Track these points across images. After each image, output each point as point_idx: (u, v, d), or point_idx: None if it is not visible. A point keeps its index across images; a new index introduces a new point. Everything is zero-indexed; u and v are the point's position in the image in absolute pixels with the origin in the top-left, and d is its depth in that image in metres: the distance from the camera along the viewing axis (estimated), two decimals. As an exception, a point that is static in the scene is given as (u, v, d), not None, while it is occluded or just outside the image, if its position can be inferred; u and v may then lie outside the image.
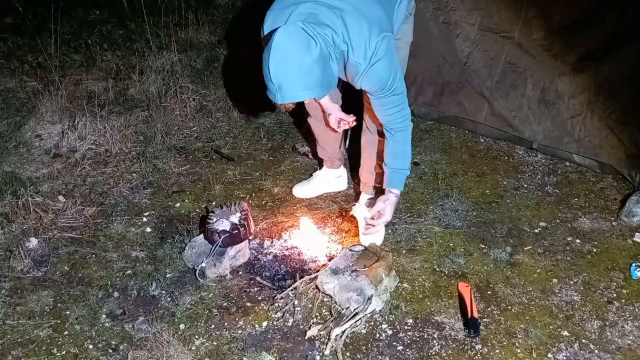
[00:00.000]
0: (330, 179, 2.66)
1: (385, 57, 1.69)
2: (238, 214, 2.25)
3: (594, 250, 2.31)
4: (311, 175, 2.74)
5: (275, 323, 1.99)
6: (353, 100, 2.21)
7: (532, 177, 2.79)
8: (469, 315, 1.95)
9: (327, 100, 2.13)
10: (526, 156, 2.94)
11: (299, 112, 2.35)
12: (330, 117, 2.19)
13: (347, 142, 2.48)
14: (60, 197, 2.63)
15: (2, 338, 1.94)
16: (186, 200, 2.66)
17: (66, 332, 1.97)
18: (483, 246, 2.34)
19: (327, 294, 2.05)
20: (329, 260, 2.21)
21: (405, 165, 2.03)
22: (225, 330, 1.96)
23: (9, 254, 2.27)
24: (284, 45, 1.52)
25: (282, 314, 2.01)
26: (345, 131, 2.33)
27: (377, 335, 1.93)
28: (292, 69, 1.54)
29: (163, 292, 2.13)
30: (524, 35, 2.74)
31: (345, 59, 1.69)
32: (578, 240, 2.36)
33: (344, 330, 1.88)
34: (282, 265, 2.25)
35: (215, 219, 2.22)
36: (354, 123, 2.15)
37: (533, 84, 2.80)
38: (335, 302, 2.03)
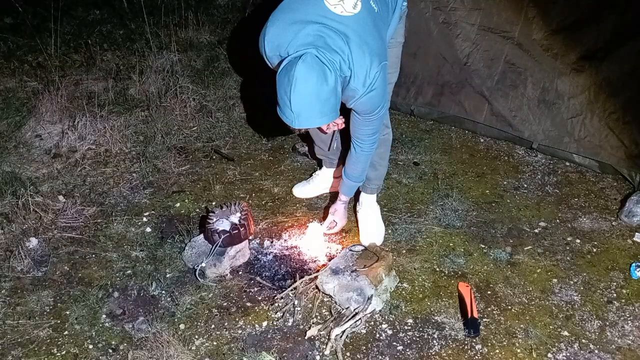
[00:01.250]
0: (330, 179, 2.66)
1: (381, 86, 1.78)
2: (238, 214, 2.25)
3: (594, 250, 2.31)
4: (311, 175, 2.74)
5: (275, 323, 1.99)
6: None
7: (532, 177, 2.79)
8: (469, 315, 1.95)
9: None
10: (526, 156, 2.94)
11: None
12: None
13: (335, 144, 2.48)
14: (60, 197, 2.63)
15: (2, 338, 1.94)
16: (186, 200, 2.66)
17: (66, 332, 1.97)
18: (483, 246, 2.34)
19: (327, 294, 2.05)
20: (329, 260, 2.21)
21: (358, 180, 2.21)
22: (225, 330, 1.96)
23: (9, 254, 2.27)
24: (306, 79, 1.58)
25: (282, 314, 2.01)
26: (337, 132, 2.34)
27: (377, 335, 1.93)
28: (312, 99, 1.62)
29: (163, 292, 2.13)
30: (524, 35, 2.74)
31: (346, 84, 1.75)
32: (578, 240, 2.36)
33: (344, 330, 1.88)
34: (282, 265, 2.25)
35: (215, 219, 2.22)
36: (343, 125, 2.16)
37: (533, 84, 2.80)
38: (335, 302, 2.03)
